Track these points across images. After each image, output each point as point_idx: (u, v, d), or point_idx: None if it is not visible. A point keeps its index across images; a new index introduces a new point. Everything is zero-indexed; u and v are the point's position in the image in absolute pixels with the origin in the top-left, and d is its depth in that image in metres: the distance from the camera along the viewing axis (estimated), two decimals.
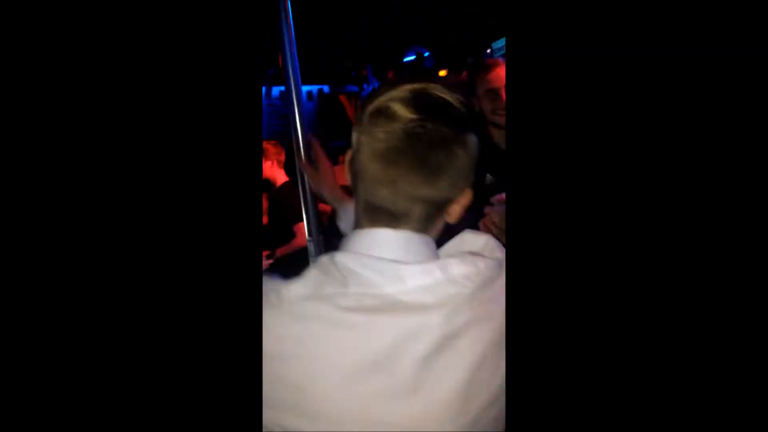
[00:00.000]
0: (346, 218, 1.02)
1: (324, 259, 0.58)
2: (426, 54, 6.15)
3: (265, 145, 2.86)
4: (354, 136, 0.58)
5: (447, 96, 0.55)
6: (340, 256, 0.57)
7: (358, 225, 0.60)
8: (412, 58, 6.21)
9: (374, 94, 0.57)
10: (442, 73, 5.91)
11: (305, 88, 7.11)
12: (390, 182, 0.54)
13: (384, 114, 0.54)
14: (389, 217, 0.57)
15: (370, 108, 0.56)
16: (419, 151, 0.52)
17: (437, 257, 0.60)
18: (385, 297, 0.53)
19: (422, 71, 6.18)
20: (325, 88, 6.99)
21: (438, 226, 0.61)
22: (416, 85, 0.55)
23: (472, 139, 0.56)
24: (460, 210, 0.60)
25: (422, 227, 0.58)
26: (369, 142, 0.55)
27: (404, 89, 0.54)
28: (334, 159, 4.74)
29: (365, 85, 6.73)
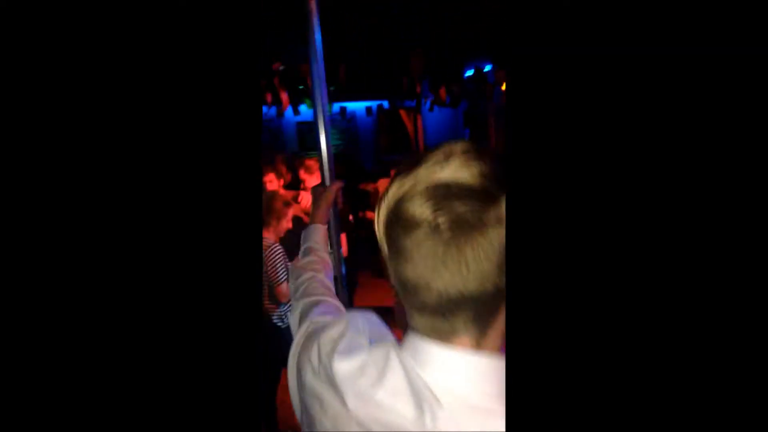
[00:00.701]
0: (306, 236, 1.05)
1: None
2: (487, 68, 6.11)
3: (308, 161, 3.05)
4: (379, 239, 0.52)
5: (466, 174, 0.47)
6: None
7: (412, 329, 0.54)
8: (470, 72, 6.19)
9: (386, 193, 0.50)
10: (504, 86, 5.83)
11: (365, 104, 7.31)
12: (427, 286, 0.48)
13: (401, 220, 0.48)
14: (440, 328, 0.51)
15: (385, 215, 0.50)
16: (449, 248, 0.46)
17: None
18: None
19: (482, 85, 6.13)
20: (385, 104, 7.12)
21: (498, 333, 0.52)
22: (429, 176, 0.48)
23: (503, 208, 0.48)
24: None
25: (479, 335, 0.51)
26: (395, 252, 0.49)
27: (416, 185, 0.48)
28: (388, 173, 4.79)
29: (423, 100, 6.78)
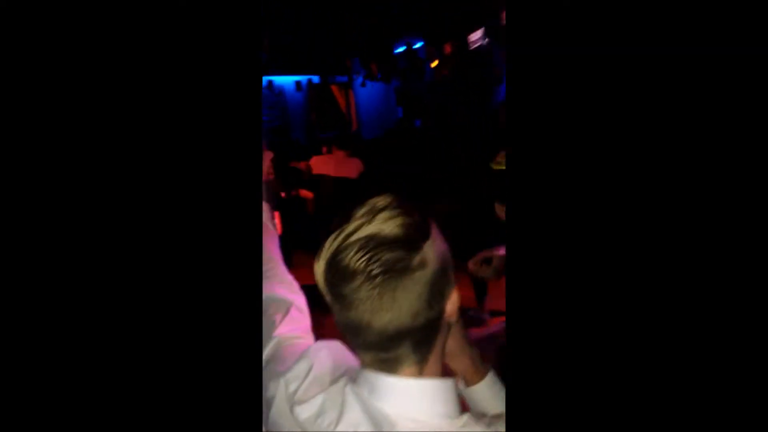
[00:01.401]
0: None
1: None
2: (418, 45, 6.11)
3: None
4: (320, 289, 0.57)
5: (390, 226, 0.53)
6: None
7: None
8: (402, 49, 6.18)
9: (322, 248, 0.56)
10: (434, 64, 5.88)
11: (294, 78, 7.09)
12: (368, 327, 0.55)
13: (339, 272, 0.54)
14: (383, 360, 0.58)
15: (323, 268, 0.55)
16: (383, 292, 0.53)
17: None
18: None
19: (414, 62, 6.14)
20: (315, 78, 6.95)
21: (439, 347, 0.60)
22: (358, 230, 0.53)
23: (430, 252, 0.54)
24: (454, 315, 0.59)
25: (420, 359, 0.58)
26: (336, 299, 0.55)
27: (348, 239, 0.53)
28: (320, 150, 4.72)
29: (354, 76, 6.69)
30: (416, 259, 0.53)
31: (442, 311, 0.56)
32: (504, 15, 4.35)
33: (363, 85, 6.52)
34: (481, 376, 0.69)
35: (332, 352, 0.66)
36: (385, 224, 0.53)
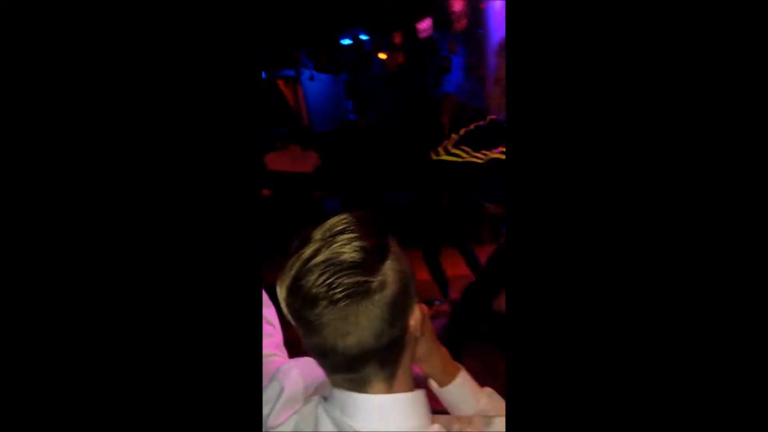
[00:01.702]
0: None
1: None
2: (364, 38, 6.08)
3: None
4: (285, 314, 0.58)
5: (348, 250, 0.54)
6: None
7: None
8: (349, 42, 6.12)
9: (282, 275, 0.56)
10: (382, 55, 5.87)
11: None
12: (334, 349, 0.55)
13: (301, 298, 0.54)
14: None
15: (286, 294, 0.55)
16: (346, 316, 0.53)
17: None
18: None
19: (361, 54, 6.11)
20: (261, 74, 6.77)
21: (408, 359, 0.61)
22: (317, 256, 0.54)
23: (389, 273, 0.55)
24: (419, 329, 0.60)
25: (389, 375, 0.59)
26: (302, 324, 0.56)
27: (308, 264, 0.54)
28: (274, 146, 4.62)
29: (301, 69, 6.57)
30: (375, 283, 0.53)
31: (405, 328, 0.57)
32: (453, 2, 4.40)
33: (311, 78, 6.42)
34: (453, 376, 0.71)
35: (303, 370, 0.67)
36: (344, 248, 0.53)
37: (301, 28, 5.34)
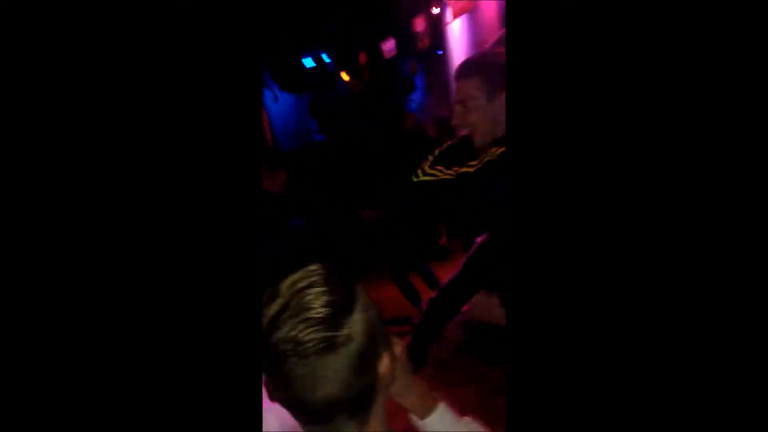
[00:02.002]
0: None
1: None
2: (328, 60, 6.13)
3: None
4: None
5: (315, 306, 0.55)
6: None
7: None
8: (312, 65, 6.16)
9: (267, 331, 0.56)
10: (345, 77, 5.92)
11: None
12: (303, 402, 0.56)
13: (272, 353, 0.55)
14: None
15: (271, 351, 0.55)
16: (314, 370, 0.54)
17: None
18: None
19: (324, 76, 6.15)
20: None
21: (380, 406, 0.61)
22: (287, 308, 0.55)
23: (356, 325, 0.56)
24: (389, 375, 0.60)
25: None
26: (272, 378, 0.56)
27: (275, 321, 0.54)
28: None
29: (264, 90, 6.53)
30: (341, 337, 0.54)
31: (375, 376, 0.58)
32: (416, 22, 4.50)
33: (275, 100, 6.40)
34: (432, 409, 0.71)
35: (280, 416, 0.66)
36: (311, 303, 0.55)
37: (263, 48, 5.34)
